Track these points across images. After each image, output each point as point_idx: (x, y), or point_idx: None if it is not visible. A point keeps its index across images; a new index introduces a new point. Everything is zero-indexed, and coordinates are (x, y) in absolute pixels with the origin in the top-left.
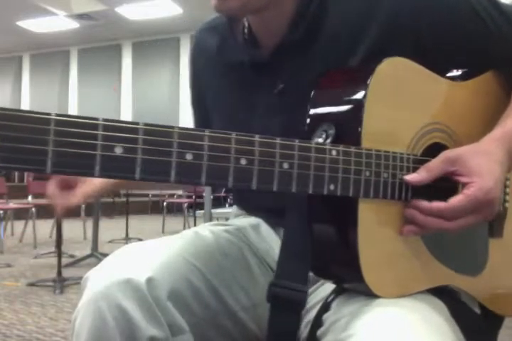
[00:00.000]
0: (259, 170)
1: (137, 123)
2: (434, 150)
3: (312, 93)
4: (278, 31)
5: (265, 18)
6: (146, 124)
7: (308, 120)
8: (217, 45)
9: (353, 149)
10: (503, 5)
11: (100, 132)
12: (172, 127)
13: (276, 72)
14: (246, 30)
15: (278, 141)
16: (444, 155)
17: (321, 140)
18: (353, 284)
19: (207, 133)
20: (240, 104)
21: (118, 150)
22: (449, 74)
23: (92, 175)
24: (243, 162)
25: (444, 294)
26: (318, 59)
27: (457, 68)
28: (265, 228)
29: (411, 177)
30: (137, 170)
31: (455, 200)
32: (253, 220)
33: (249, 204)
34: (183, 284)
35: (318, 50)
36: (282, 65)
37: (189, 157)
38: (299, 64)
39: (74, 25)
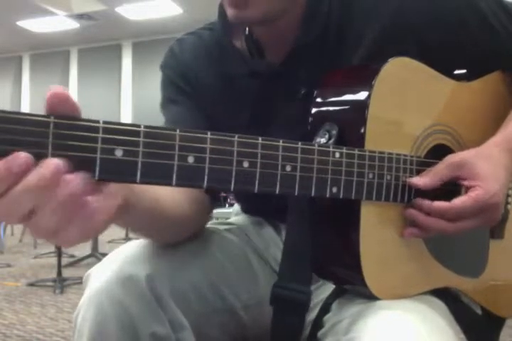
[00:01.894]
0: (262, 172)
1: (138, 126)
2: (438, 151)
3: (315, 92)
4: (289, 37)
5: (276, 26)
6: (146, 127)
7: (310, 119)
8: (217, 56)
9: (356, 151)
10: (510, 6)
11: (100, 135)
12: (174, 129)
13: (294, 78)
14: (249, 41)
15: (281, 143)
16: (448, 159)
17: (323, 140)
18: (354, 286)
19: (209, 135)
20: (257, 116)
21: (118, 153)
22: (454, 74)
23: (92, 178)
24: (245, 165)
25: (444, 295)
26: (332, 58)
27: (463, 68)
28: (266, 226)
29: (416, 181)
30: (138, 174)
31: (458, 201)
32: (254, 218)
33: (250, 206)
34: (183, 280)
35: (329, 50)
36: (299, 69)
37: (191, 160)
38: (315, 65)
39: (74, 25)
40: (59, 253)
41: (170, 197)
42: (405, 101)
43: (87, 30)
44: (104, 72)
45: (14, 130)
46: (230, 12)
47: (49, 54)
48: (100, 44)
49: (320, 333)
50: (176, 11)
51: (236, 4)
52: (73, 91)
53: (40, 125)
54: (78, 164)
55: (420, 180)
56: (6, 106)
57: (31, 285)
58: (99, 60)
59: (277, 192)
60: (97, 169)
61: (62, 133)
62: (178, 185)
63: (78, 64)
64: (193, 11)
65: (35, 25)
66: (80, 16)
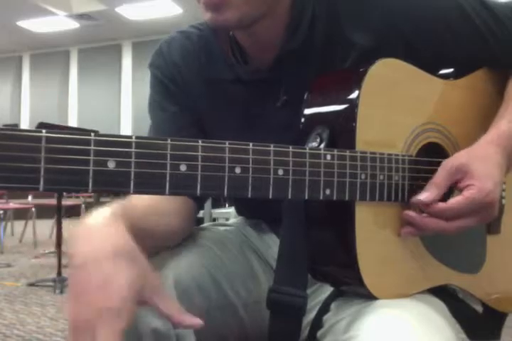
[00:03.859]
0: (254, 177)
1: (130, 137)
2: (429, 150)
3: (305, 96)
4: (273, 43)
5: (258, 31)
6: (138, 137)
7: (301, 124)
8: (204, 59)
9: (347, 153)
10: (495, 7)
11: (92, 147)
12: (165, 139)
13: (277, 84)
14: (234, 46)
15: (272, 148)
16: (447, 165)
17: (315, 144)
18: (352, 287)
19: (200, 143)
20: (243, 121)
21: (111, 165)
22: (441, 72)
23: (86, 190)
24: (238, 170)
25: (443, 293)
26: (317, 65)
27: (450, 67)
28: (265, 228)
29: (424, 197)
30: (131, 184)
31: (454, 201)
32: (252, 220)
33: (246, 210)
34: (187, 276)
35: (316, 56)
36: (282, 76)
37: (183, 168)
38: (299, 73)
39: (74, 25)
40: (59, 253)
41: (155, 213)
42: (394, 100)
43: (87, 30)
44: (104, 72)
45: (7, 146)
46: (206, 16)
47: (49, 54)
48: (100, 44)
49: (319, 333)
50: (176, 10)
51: (212, 8)
52: (73, 91)
53: (32, 140)
54: (71, 177)
55: (428, 196)
56: (6, 106)
57: (31, 285)
58: (99, 60)
59: (271, 196)
60: (90, 181)
61: (54, 147)
62: (171, 193)
63: (78, 64)
64: (193, 11)
65: (35, 25)
66: (79, 16)
